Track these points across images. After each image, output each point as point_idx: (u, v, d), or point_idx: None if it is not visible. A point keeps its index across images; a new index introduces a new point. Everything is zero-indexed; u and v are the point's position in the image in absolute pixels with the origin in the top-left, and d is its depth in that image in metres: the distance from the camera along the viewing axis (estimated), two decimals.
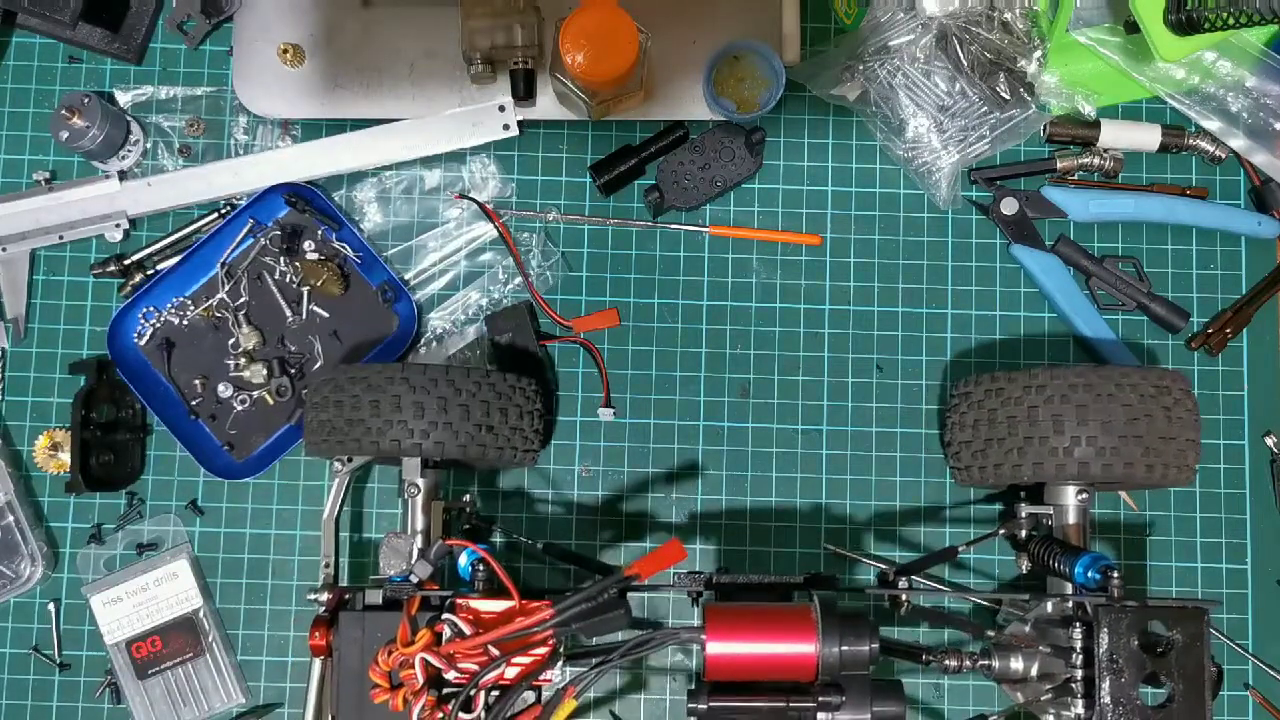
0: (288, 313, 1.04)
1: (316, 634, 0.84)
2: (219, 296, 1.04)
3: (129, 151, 1.05)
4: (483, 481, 1.03)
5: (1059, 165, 1.06)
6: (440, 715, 0.78)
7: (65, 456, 1.02)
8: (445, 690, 0.79)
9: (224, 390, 1.03)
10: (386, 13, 1.05)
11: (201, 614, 1.01)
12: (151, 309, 1.03)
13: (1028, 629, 0.90)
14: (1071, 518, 0.91)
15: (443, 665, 0.78)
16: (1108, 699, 0.80)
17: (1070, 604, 0.86)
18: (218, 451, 1.03)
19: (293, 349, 1.04)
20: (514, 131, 1.04)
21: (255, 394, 1.03)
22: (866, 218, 1.07)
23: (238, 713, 1.01)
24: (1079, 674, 0.82)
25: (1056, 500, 0.92)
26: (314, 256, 1.04)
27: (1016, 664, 0.89)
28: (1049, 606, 0.89)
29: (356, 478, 1.02)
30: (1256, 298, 1.06)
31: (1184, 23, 0.96)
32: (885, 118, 1.05)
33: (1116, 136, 1.06)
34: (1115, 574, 0.82)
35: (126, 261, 1.04)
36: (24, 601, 1.02)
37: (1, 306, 1.05)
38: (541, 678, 0.81)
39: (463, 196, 1.05)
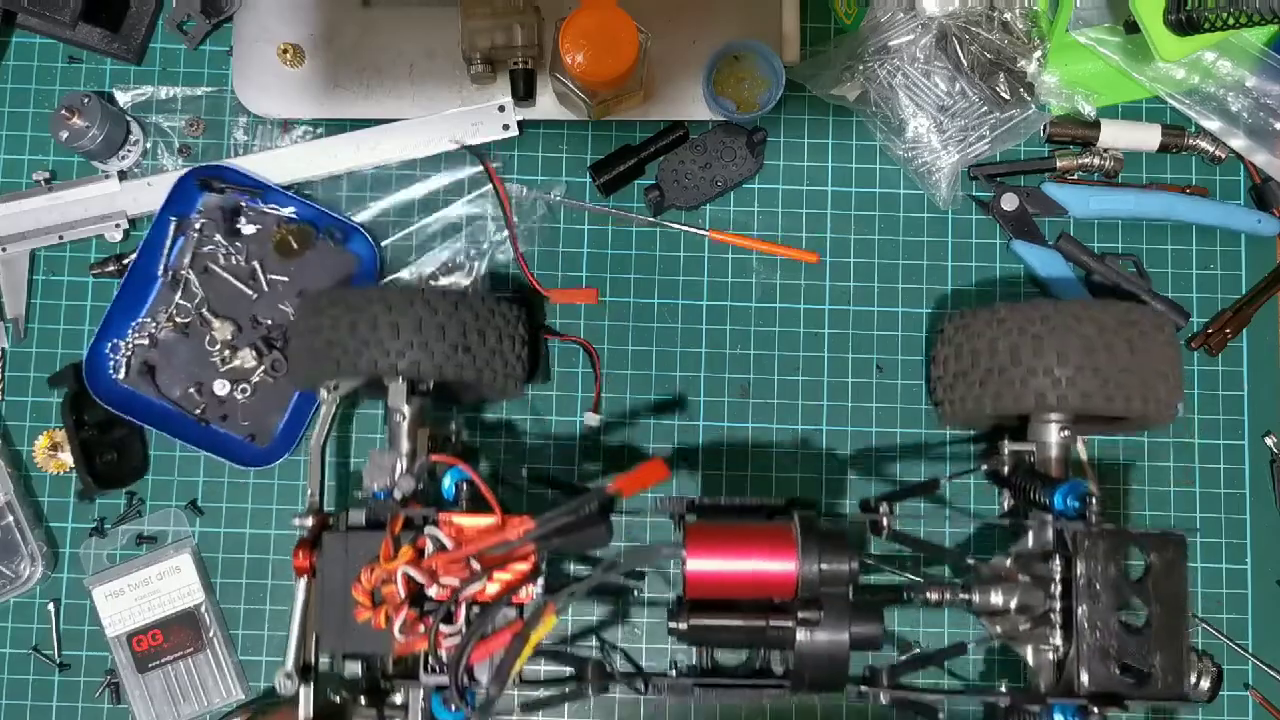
0: (249, 292, 1.03)
1: (300, 555, 0.83)
2: (175, 303, 1.03)
3: (129, 151, 1.05)
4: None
5: (1059, 164, 1.06)
6: (422, 628, 0.77)
7: (65, 456, 1.02)
8: (426, 607, 0.79)
9: (221, 388, 1.03)
10: (386, 13, 1.05)
11: (203, 609, 1.01)
12: (115, 342, 1.02)
13: (1009, 563, 0.91)
14: (1053, 453, 0.90)
15: (425, 580, 0.78)
16: (1085, 624, 0.80)
17: (1050, 538, 0.86)
18: (243, 446, 1.03)
19: (269, 322, 1.04)
20: (514, 131, 1.04)
21: (253, 379, 1.03)
22: (866, 217, 1.07)
23: (237, 704, 1.01)
24: (1057, 605, 0.83)
25: (1039, 437, 0.91)
26: (251, 230, 1.03)
27: (996, 597, 0.89)
28: (1030, 541, 0.89)
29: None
30: (1256, 297, 1.06)
31: (1184, 23, 0.96)
32: (885, 118, 1.05)
33: (1116, 136, 1.06)
34: (1093, 501, 0.82)
35: (125, 261, 1.04)
36: (24, 601, 1.02)
37: (1, 306, 1.05)
38: (522, 595, 0.80)
39: (461, 145, 1.04)
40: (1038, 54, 1.04)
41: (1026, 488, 0.89)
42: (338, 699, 0.84)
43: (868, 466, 1.04)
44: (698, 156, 1.04)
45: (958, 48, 1.04)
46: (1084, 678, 0.80)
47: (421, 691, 0.82)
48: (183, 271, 1.03)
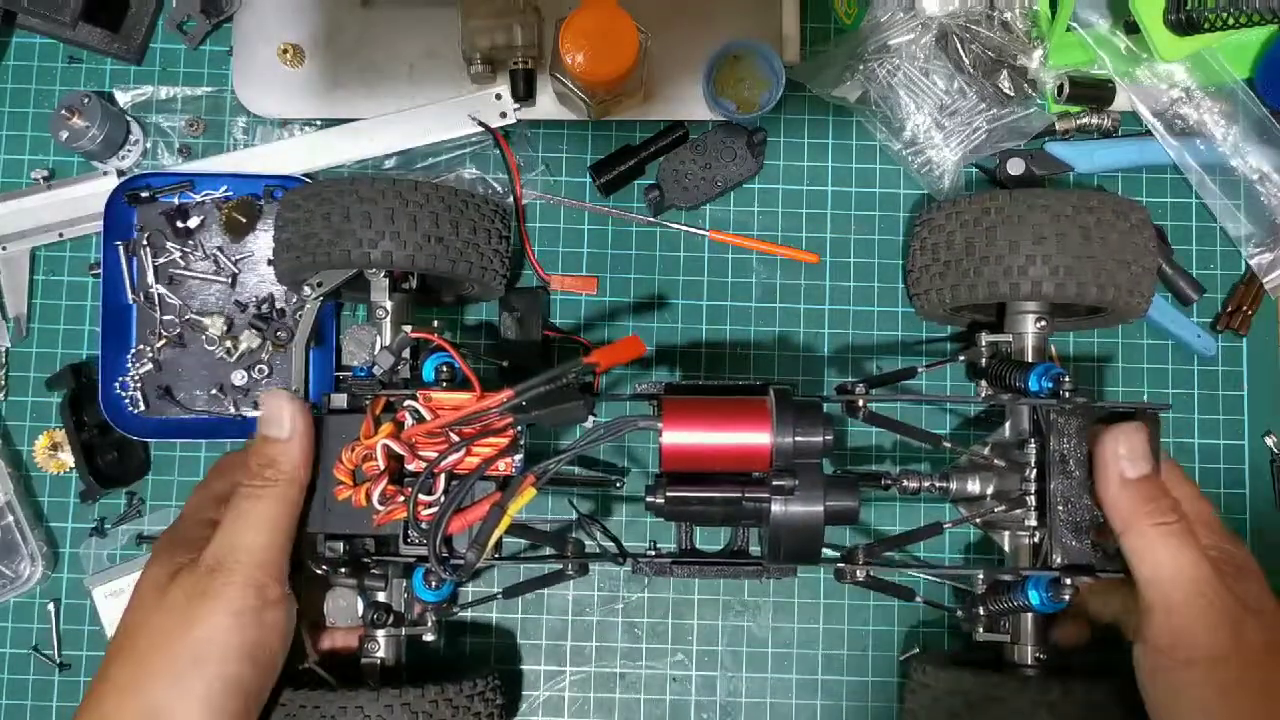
0: (222, 280, 1.03)
1: None
2: (159, 321, 1.02)
3: (129, 151, 1.05)
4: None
5: (1058, 126, 1.06)
6: (401, 498, 0.78)
7: (65, 456, 1.02)
8: (406, 481, 0.80)
9: (240, 378, 1.02)
10: (386, 13, 1.05)
11: None
12: (121, 380, 1.01)
13: (986, 450, 0.92)
14: (1029, 343, 0.91)
15: (405, 453, 0.79)
16: (1058, 500, 0.81)
17: (1026, 425, 0.88)
18: None
19: (254, 299, 1.03)
20: (511, 120, 1.04)
21: (264, 357, 1.03)
22: (867, 217, 1.07)
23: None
24: (1032, 487, 0.85)
25: (1015, 329, 0.92)
26: (197, 222, 1.03)
27: (973, 485, 0.90)
28: (1006, 430, 0.91)
29: None
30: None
31: (1184, 23, 0.96)
32: (885, 117, 1.05)
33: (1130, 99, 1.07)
34: (1065, 380, 0.84)
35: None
36: (24, 601, 1.02)
37: (2, 305, 1.05)
38: (501, 467, 0.81)
39: (474, 119, 1.04)
40: (1038, 52, 1.04)
41: (1003, 374, 0.89)
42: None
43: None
44: (698, 156, 1.04)
45: (958, 46, 1.04)
46: (1056, 552, 0.81)
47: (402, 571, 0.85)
48: (152, 290, 1.02)
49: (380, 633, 0.88)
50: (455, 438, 0.80)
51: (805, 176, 1.07)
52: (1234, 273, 1.07)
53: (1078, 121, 1.06)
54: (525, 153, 1.07)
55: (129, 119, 1.05)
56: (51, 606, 1.02)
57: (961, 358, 0.95)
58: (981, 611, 0.89)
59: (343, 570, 0.84)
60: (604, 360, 0.80)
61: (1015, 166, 1.06)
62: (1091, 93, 1.06)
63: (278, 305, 1.03)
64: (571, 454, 0.79)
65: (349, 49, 1.05)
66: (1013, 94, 1.04)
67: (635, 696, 1.02)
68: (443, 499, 0.79)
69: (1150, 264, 0.88)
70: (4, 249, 1.04)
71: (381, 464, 0.79)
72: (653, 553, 0.86)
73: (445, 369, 0.84)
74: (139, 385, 1.01)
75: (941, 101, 1.05)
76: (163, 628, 0.75)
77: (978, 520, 0.91)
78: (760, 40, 1.02)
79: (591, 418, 0.83)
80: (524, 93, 1.03)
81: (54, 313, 1.05)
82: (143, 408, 1.01)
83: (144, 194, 1.02)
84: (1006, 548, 0.91)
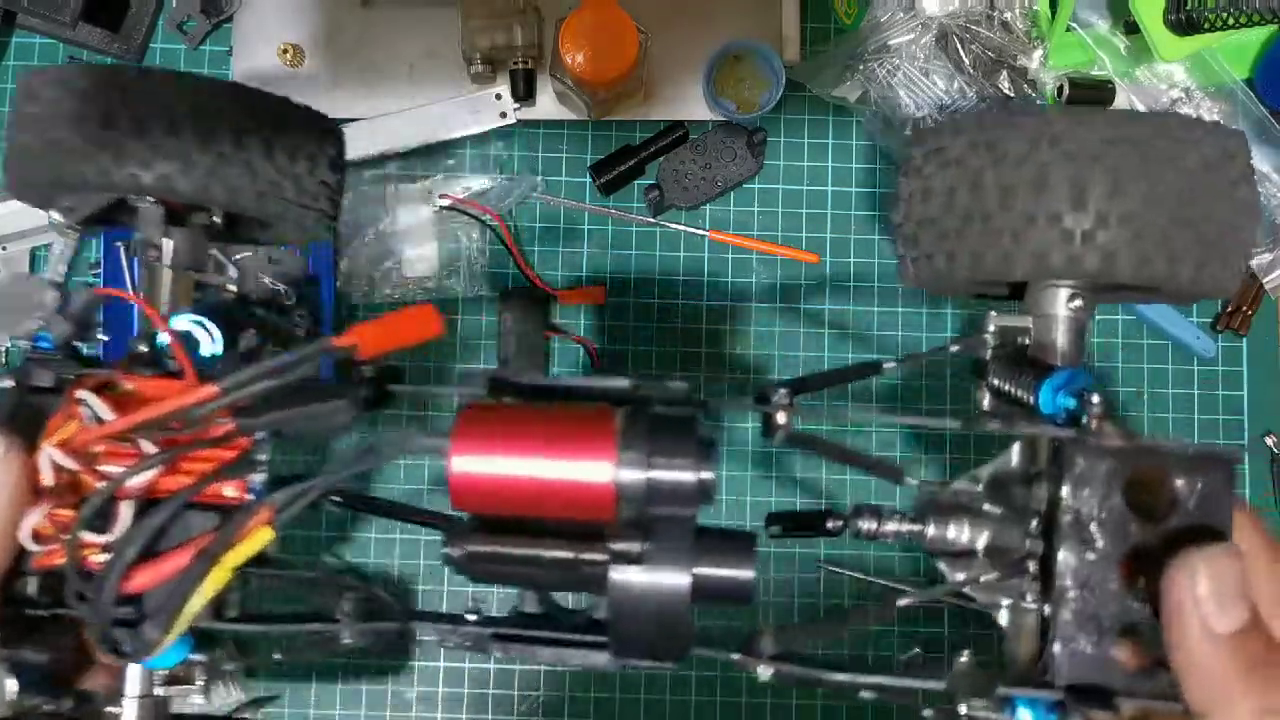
0: (231, 287, 1.00)
1: None
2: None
3: None
4: None
5: None
6: (65, 537, 0.54)
7: None
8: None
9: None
10: (386, 13, 1.06)
11: None
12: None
13: (980, 488, 0.64)
14: (1060, 334, 0.62)
15: (77, 466, 0.54)
16: (1068, 579, 0.53)
17: (1043, 452, 0.60)
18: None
19: (277, 285, 1.00)
20: (511, 120, 1.04)
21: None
22: (867, 217, 1.07)
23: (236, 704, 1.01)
24: (1038, 549, 0.56)
25: (1039, 308, 0.62)
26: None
27: (959, 533, 0.62)
28: (1013, 458, 0.62)
29: None
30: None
31: (1184, 23, 0.96)
32: (885, 117, 1.05)
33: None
34: (1095, 400, 0.55)
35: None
36: None
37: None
38: (230, 493, 0.56)
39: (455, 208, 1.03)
40: (1039, 52, 1.04)
41: (1006, 377, 0.62)
42: None
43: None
44: (698, 156, 1.04)
45: (958, 47, 1.04)
46: (1060, 659, 0.54)
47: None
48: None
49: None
50: (151, 447, 0.55)
51: (805, 176, 1.08)
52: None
53: None
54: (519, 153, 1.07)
55: None
56: None
57: (955, 348, 0.67)
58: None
59: None
60: (369, 342, 0.55)
61: None
62: (1091, 93, 1.06)
63: (286, 295, 1.02)
64: (330, 482, 0.55)
65: (349, 49, 1.05)
66: (1013, 94, 1.04)
67: (635, 696, 1.01)
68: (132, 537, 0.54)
69: (1251, 220, 0.61)
70: (4, 249, 1.04)
71: (49, 480, 0.54)
72: (473, 618, 0.60)
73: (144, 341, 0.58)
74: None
75: (941, 101, 1.05)
76: None
77: (949, 595, 0.62)
78: (760, 40, 1.03)
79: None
80: (524, 93, 1.03)
81: None
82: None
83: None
84: (1004, 623, 0.63)
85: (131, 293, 0.61)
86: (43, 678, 0.55)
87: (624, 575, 0.52)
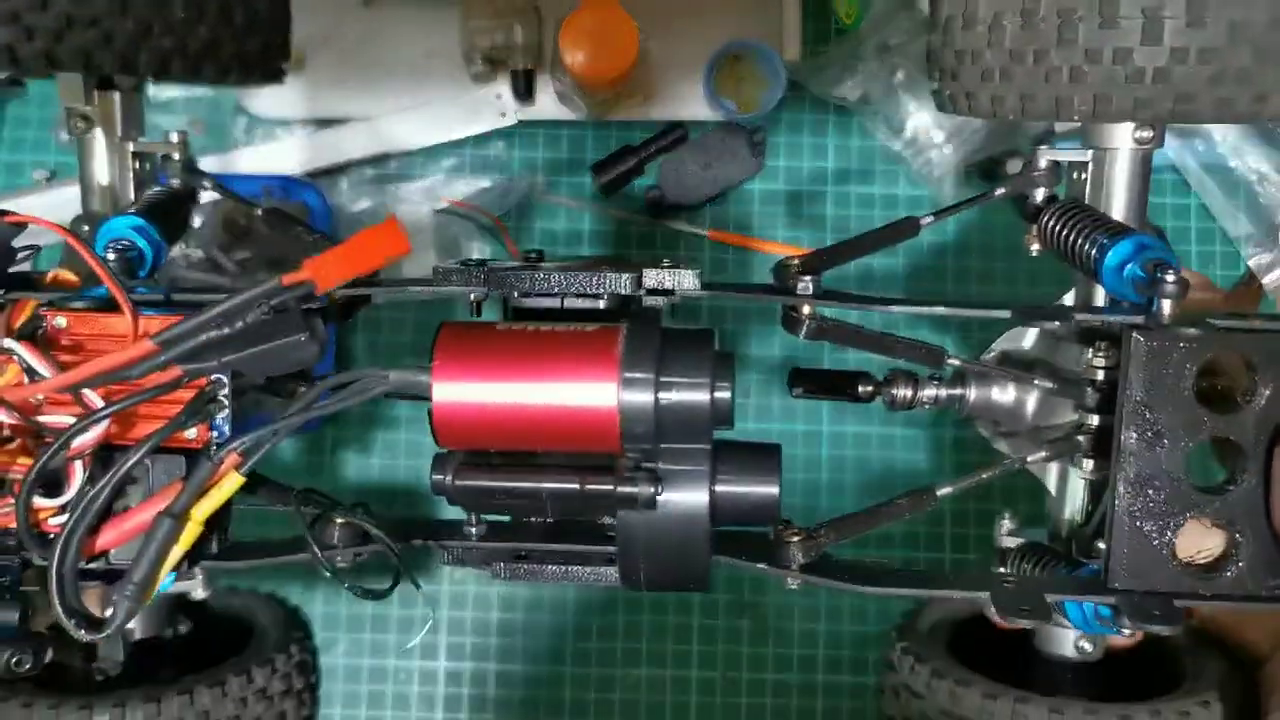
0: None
1: None
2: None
3: None
4: None
5: (1058, 127, 1.06)
6: (10, 500, 0.50)
7: None
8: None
9: None
10: (386, 13, 1.06)
11: None
12: None
13: (1028, 346, 0.60)
14: (1121, 172, 0.55)
15: (14, 420, 0.51)
16: (1133, 470, 0.48)
17: (1099, 300, 0.56)
18: None
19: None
20: (511, 120, 1.04)
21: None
22: (866, 217, 1.07)
23: None
24: (1094, 421, 0.53)
25: (1100, 140, 0.55)
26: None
27: (1004, 396, 0.58)
28: (1028, 337, 0.60)
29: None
30: None
31: None
32: (885, 117, 1.05)
33: None
34: (1170, 280, 0.48)
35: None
36: None
37: None
38: (190, 435, 0.51)
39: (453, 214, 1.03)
40: None
41: (1065, 232, 0.55)
42: None
43: (868, 467, 1.04)
44: (698, 156, 1.04)
45: None
46: (1118, 560, 0.48)
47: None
48: None
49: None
50: (97, 399, 0.50)
51: (805, 176, 1.08)
52: (1234, 273, 1.07)
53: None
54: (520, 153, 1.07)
55: None
56: None
57: (1000, 190, 0.61)
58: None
59: None
60: (327, 271, 0.48)
61: (1015, 166, 1.06)
62: None
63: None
64: (294, 420, 0.50)
65: (349, 49, 1.05)
66: None
67: (635, 698, 1.01)
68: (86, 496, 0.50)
69: None
70: None
71: None
72: (472, 531, 0.55)
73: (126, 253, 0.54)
74: None
75: None
76: None
77: (994, 471, 0.56)
78: (761, 40, 1.03)
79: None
80: (524, 93, 1.03)
81: None
82: None
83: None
84: (1051, 487, 0.60)
85: (64, 229, 0.56)
86: (20, 634, 0.54)
87: (635, 505, 0.48)
